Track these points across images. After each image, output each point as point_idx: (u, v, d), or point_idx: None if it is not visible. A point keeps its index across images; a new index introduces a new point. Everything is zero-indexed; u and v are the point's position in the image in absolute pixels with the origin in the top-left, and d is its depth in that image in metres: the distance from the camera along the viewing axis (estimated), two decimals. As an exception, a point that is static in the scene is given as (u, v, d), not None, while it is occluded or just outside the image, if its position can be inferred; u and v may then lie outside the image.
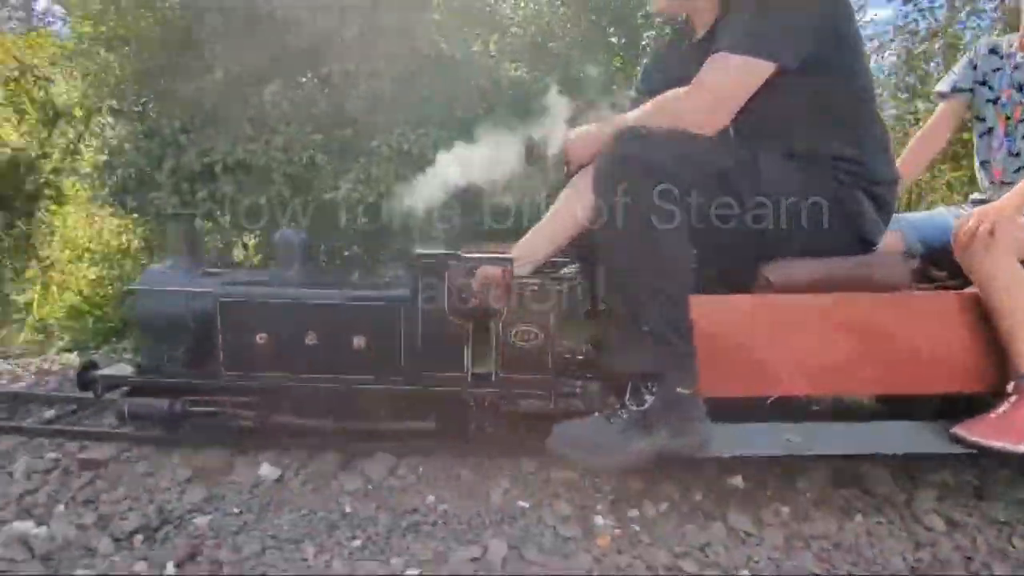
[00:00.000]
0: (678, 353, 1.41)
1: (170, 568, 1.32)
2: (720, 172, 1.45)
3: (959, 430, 1.47)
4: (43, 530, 1.45)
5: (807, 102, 1.49)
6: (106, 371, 1.85)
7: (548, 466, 1.72)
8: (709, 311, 1.51)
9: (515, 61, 3.01)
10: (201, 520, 1.49)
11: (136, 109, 2.83)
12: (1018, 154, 1.79)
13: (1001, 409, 1.46)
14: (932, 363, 1.56)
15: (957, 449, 1.47)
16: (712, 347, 1.47)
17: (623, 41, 3.25)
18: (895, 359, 1.55)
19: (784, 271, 1.57)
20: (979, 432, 1.44)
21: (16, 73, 4.47)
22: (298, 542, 1.42)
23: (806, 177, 1.51)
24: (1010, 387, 1.47)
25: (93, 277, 3.78)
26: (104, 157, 2.92)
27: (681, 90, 1.48)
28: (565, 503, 1.59)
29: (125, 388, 1.83)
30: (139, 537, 1.43)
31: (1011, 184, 1.68)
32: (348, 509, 1.57)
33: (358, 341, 1.71)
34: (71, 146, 4.58)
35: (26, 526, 1.46)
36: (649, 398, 1.41)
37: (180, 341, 1.83)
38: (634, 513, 1.56)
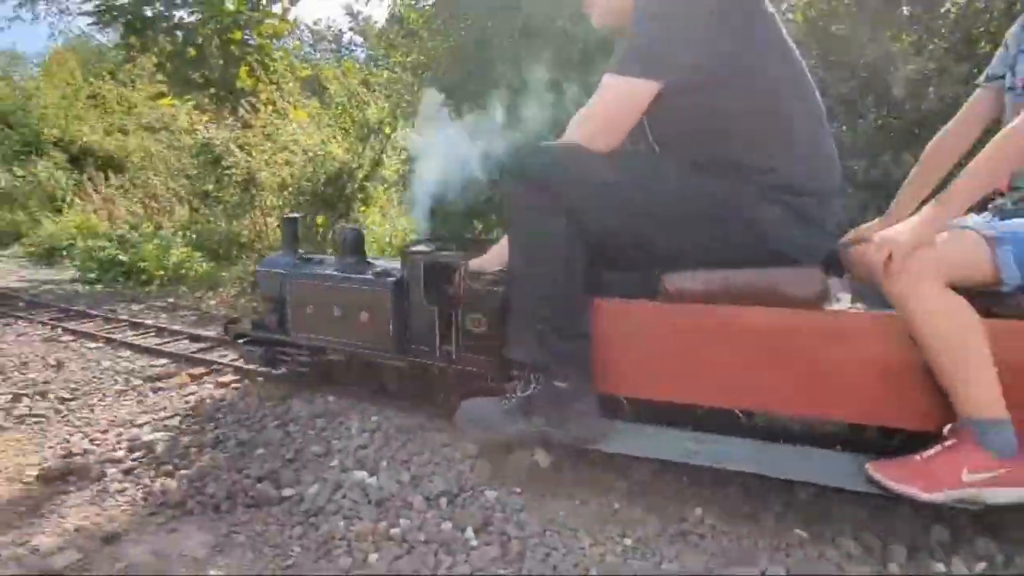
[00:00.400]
0: (559, 351, 1.55)
1: (469, 532, 1.52)
2: (617, 185, 1.49)
3: (872, 467, 1.34)
4: (374, 480, 1.78)
5: (706, 112, 1.46)
6: (237, 326, 2.68)
7: (832, 499, 1.56)
8: (614, 315, 1.62)
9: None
10: (490, 494, 1.68)
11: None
12: None
13: (928, 453, 1.31)
14: (842, 388, 1.43)
15: (864, 487, 1.34)
16: (616, 349, 1.61)
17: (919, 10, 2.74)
18: (795, 378, 1.46)
19: (681, 281, 1.56)
20: (890, 473, 1.31)
21: (345, 98, 5.55)
22: (574, 530, 1.52)
23: (707, 187, 1.48)
24: (946, 430, 1.31)
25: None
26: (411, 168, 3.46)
27: (580, 112, 1.53)
28: (850, 539, 1.43)
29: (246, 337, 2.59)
30: (443, 500, 1.67)
31: (1020, 190, 1.37)
32: (617, 506, 1.62)
33: (363, 315, 2.16)
34: (377, 157, 5.53)
35: (362, 475, 1.81)
36: (533, 387, 1.59)
37: (274, 307, 2.50)
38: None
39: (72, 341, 3.59)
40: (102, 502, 1.77)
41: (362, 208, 5.64)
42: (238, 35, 6.71)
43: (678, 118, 1.51)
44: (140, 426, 2.29)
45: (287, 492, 1.76)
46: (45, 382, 2.85)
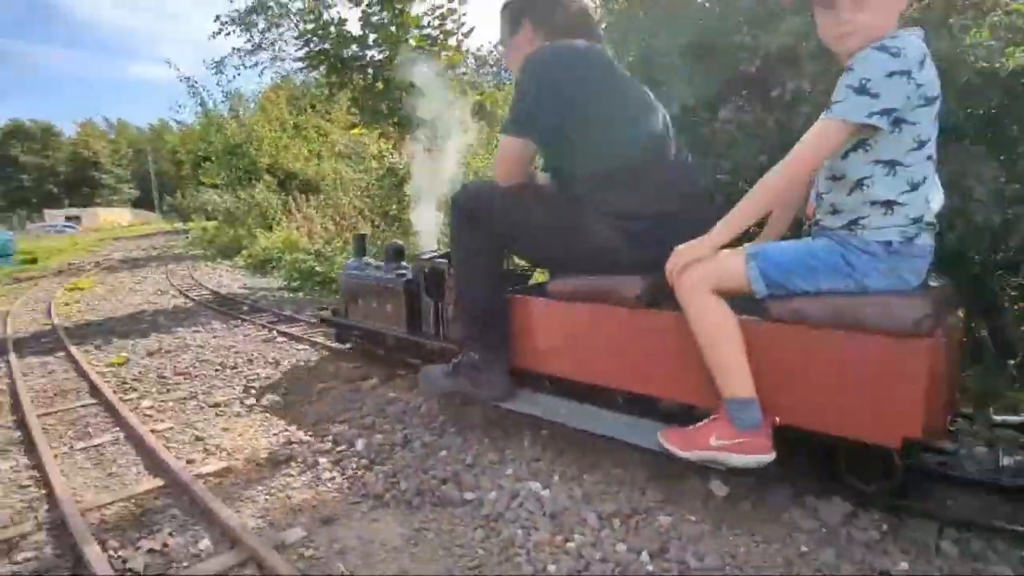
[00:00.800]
0: (474, 335, 2.19)
1: (645, 556, 1.53)
2: (514, 213, 2.05)
3: (661, 433, 1.72)
4: (547, 493, 1.86)
5: (563, 157, 1.99)
6: (324, 313, 3.80)
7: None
8: (520, 307, 2.20)
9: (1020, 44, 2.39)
10: (664, 518, 1.67)
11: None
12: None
13: (700, 423, 1.65)
14: (657, 370, 1.84)
15: (653, 446, 1.73)
16: (522, 333, 2.19)
17: None
18: (628, 361, 1.91)
19: (556, 284, 2.10)
20: (668, 436, 1.70)
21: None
22: (758, 567, 1.46)
23: (566, 214, 1.99)
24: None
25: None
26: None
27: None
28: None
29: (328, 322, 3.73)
30: (616, 520, 1.69)
31: (818, 225, 1.63)
32: (804, 548, 1.53)
33: (388, 306, 3.05)
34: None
35: (536, 486, 1.90)
36: (461, 357, 2.24)
37: (344, 299, 3.49)
38: None
39: (285, 343, 4.18)
40: (316, 487, 2.05)
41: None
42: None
43: (549, 161, 2.14)
44: (342, 423, 2.61)
45: (468, 496, 1.90)
46: (267, 377, 3.36)
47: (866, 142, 1.44)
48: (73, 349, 4.14)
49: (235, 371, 3.54)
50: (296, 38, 7.78)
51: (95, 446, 2.46)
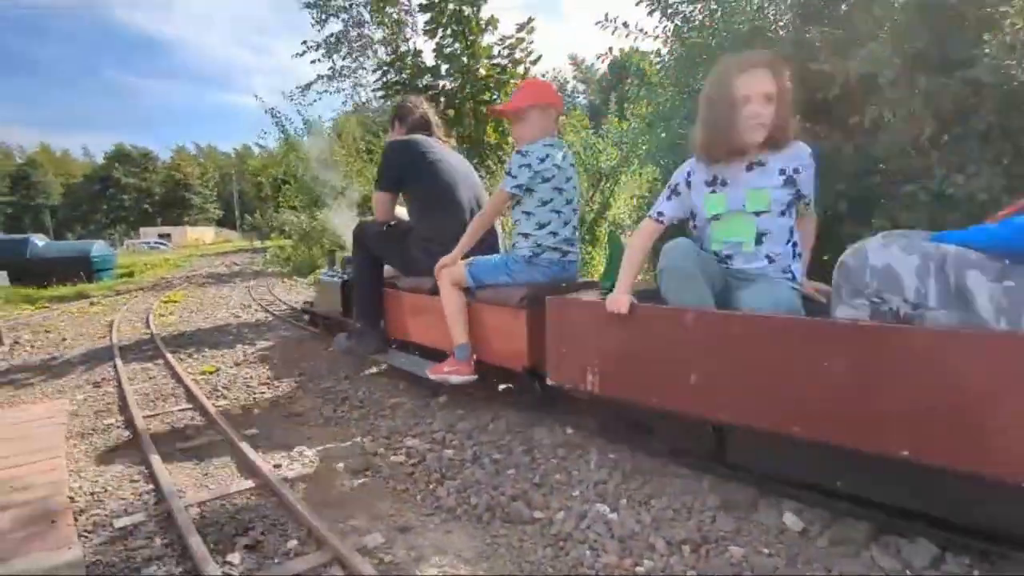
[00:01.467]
0: (362, 314, 3.57)
1: (715, 585, 1.53)
2: (381, 239, 3.44)
3: (428, 367, 2.98)
4: (615, 516, 1.88)
5: (405, 201, 3.42)
6: (306, 306, 5.88)
7: None
8: (391, 297, 3.59)
9: None
10: (736, 549, 1.67)
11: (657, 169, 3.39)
12: None
13: (443, 361, 2.91)
14: (435, 331, 3.19)
15: (422, 375, 3.02)
16: (393, 314, 3.59)
17: None
18: (428, 327, 3.27)
19: (402, 282, 3.48)
20: (429, 368, 2.94)
21: (580, 147, 5.96)
22: (834, 606, 1.43)
23: (403, 240, 3.38)
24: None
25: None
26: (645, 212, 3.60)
27: None
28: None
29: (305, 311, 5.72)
30: (687, 547, 1.70)
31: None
32: (886, 592, 1.49)
33: (333, 298, 4.60)
34: (606, 201, 5.79)
35: (604, 509, 1.92)
36: (353, 327, 3.69)
37: (316, 296, 5.35)
38: None
39: (357, 359, 4.37)
40: (392, 497, 2.16)
41: (590, 249, 5.92)
42: (488, 96, 7.64)
43: (406, 204, 3.45)
44: (414, 437, 2.72)
45: (537, 514, 1.95)
46: (342, 391, 3.53)
47: (518, 201, 2.75)
48: (170, 357, 4.50)
49: (313, 383, 3.74)
50: (375, 70, 8.21)
51: (193, 447, 2.68)
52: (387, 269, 3.61)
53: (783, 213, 1.99)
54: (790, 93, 1.90)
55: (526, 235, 2.73)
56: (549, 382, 2.45)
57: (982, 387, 1.33)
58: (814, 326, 1.63)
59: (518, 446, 2.50)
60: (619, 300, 2.05)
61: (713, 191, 2.06)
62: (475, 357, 2.84)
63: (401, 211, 3.58)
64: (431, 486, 2.21)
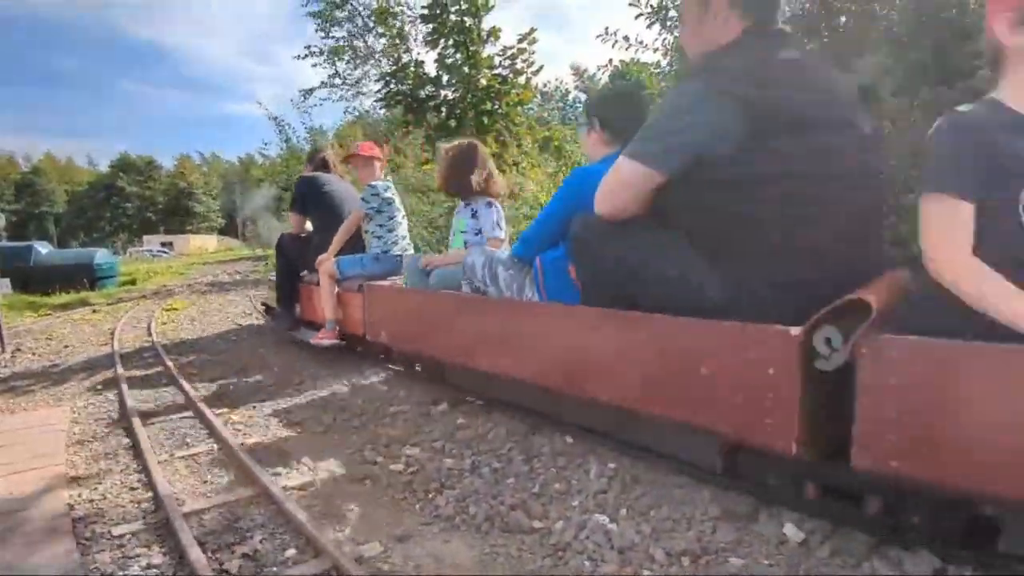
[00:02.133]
0: (281, 299, 5.04)
1: (714, 596, 1.52)
2: (296, 245, 4.94)
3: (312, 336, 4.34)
4: (615, 527, 1.87)
5: (311, 221, 5.06)
6: (263, 304, 6.91)
7: None
8: (303, 290, 5.02)
9: None
10: (736, 560, 1.65)
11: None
12: None
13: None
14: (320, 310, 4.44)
15: (309, 341, 4.39)
16: (304, 301, 5.04)
17: None
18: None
19: (306, 277, 4.95)
20: (311, 336, 4.35)
21: (582, 158, 6.00)
22: (835, 619, 1.42)
23: (313, 245, 4.70)
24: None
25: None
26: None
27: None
28: None
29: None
30: (686, 559, 1.69)
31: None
32: (886, 605, 1.47)
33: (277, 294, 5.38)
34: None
35: (603, 519, 1.91)
36: (276, 311, 5.18)
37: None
38: None
39: (355, 366, 4.37)
40: (389, 505, 2.15)
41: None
42: (489, 106, 7.69)
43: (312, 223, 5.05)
44: (414, 446, 2.71)
45: (536, 524, 1.94)
46: (342, 398, 3.53)
47: (370, 218, 4.29)
48: (171, 364, 4.50)
49: (313, 391, 3.74)
50: (377, 79, 8.29)
51: (192, 455, 2.68)
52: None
53: None
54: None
55: (377, 240, 4.31)
56: (368, 338, 3.84)
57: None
58: (472, 300, 2.84)
59: (518, 455, 2.49)
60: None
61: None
62: (339, 328, 4.20)
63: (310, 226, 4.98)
64: (430, 495, 2.21)
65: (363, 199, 4.22)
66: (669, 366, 1.86)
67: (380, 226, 4.28)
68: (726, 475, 1.90)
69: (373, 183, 4.23)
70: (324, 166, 5.10)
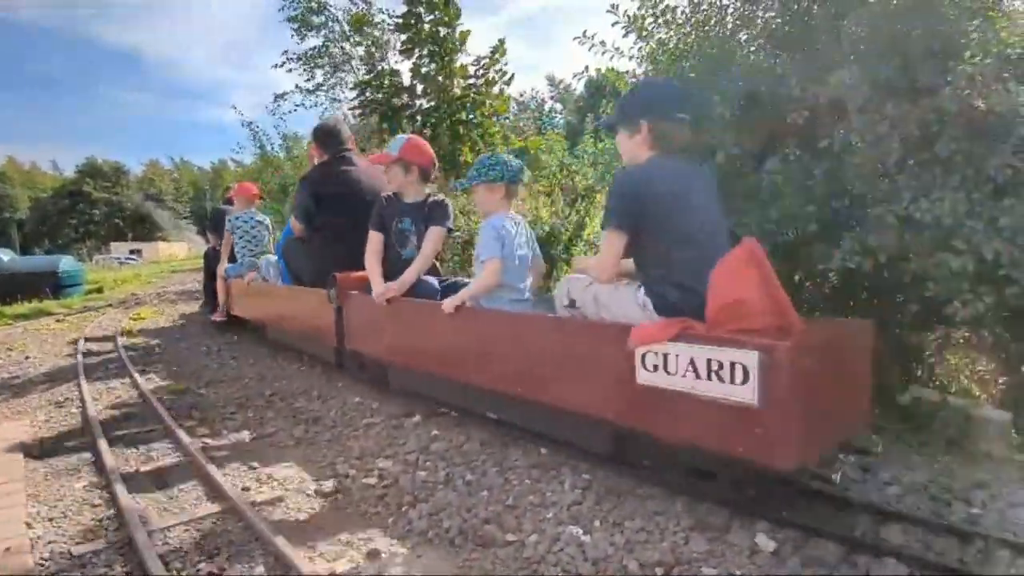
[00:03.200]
0: (210, 296, 6.99)
1: (689, 608, 1.52)
2: (213, 258, 6.96)
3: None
4: (588, 539, 1.87)
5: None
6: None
7: None
8: (231, 285, 6.03)
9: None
10: (709, 571, 1.66)
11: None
12: None
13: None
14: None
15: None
16: (232, 299, 6.18)
17: None
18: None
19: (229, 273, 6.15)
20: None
21: (556, 167, 6.02)
22: (805, 628, 1.43)
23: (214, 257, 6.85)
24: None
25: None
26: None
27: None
28: None
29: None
30: (659, 570, 1.69)
31: None
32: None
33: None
34: (582, 221, 5.83)
35: (577, 531, 1.91)
36: (211, 306, 7.01)
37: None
38: None
39: (329, 377, 4.31)
40: (361, 520, 2.11)
41: (566, 268, 5.94)
42: (464, 115, 7.70)
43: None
44: (386, 458, 2.67)
45: (510, 537, 1.93)
46: (314, 411, 3.47)
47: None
48: (137, 376, 4.38)
49: (285, 403, 3.67)
50: (352, 87, 8.23)
51: (158, 470, 2.60)
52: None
53: None
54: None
55: (242, 251, 5.91)
56: (234, 313, 6.03)
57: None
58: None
59: (492, 467, 2.47)
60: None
61: None
62: (226, 310, 6.19)
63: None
64: (403, 508, 2.18)
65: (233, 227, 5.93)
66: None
67: (245, 243, 5.87)
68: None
69: (238, 215, 5.89)
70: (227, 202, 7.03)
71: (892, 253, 2.44)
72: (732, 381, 1.64)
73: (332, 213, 3.97)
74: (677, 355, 1.78)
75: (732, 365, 1.64)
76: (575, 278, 2.44)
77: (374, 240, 3.37)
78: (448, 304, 2.70)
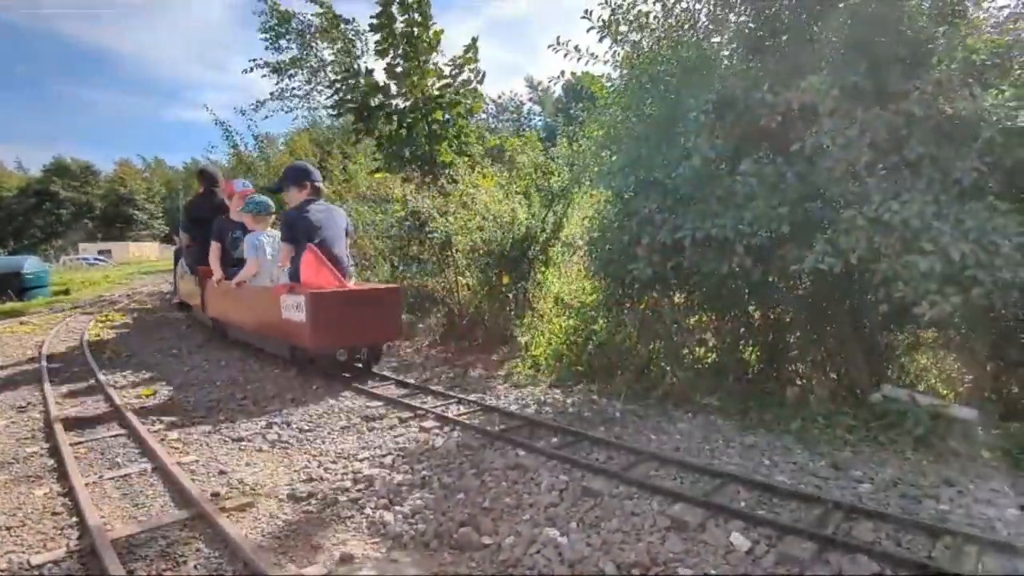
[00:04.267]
0: (174, 290, 8.11)
1: (664, 608, 1.52)
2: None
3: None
4: (565, 540, 1.86)
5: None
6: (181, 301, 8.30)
7: None
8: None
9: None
10: (685, 571, 1.66)
11: (625, 195, 3.42)
12: None
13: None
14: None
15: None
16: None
17: None
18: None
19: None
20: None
21: (532, 168, 6.01)
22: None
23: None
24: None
25: (570, 326, 4.72)
26: (596, 234, 3.63)
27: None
28: None
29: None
30: (636, 570, 1.68)
31: None
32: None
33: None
34: (559, 221, 5.83)
35: (554, 533, 1.89)
36: (173, 297, 8.44)
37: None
38: None
39: (302, 379, 4.24)
40: (336, 524, 2.07)
41: (543, 269, 5.93)
42: (439, 115, 7.66)
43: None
44: (361, 460, 2.63)
45: (486, 540, 1.91)
46: (288, 413, 3.40)
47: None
48: (103, 379, 4.25)
49: (257, 406, 3.59)
50: (327, 86, 8.11)
51: (123, 476, 2.52)
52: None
53: None
54: None
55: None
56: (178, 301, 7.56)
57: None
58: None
59: (469, 469, 2.45)
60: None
61: None
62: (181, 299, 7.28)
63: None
64: (378, 512, 2.14)
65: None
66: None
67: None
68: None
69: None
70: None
71: (862, 255, 2.48)
72: (298, 310, 3.93)
73: (201, 229, 6.09)
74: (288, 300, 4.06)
75: (297, 303, 3.90)
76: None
77: (215, 247, 5.56)
78: (229, 281, 5.20)
